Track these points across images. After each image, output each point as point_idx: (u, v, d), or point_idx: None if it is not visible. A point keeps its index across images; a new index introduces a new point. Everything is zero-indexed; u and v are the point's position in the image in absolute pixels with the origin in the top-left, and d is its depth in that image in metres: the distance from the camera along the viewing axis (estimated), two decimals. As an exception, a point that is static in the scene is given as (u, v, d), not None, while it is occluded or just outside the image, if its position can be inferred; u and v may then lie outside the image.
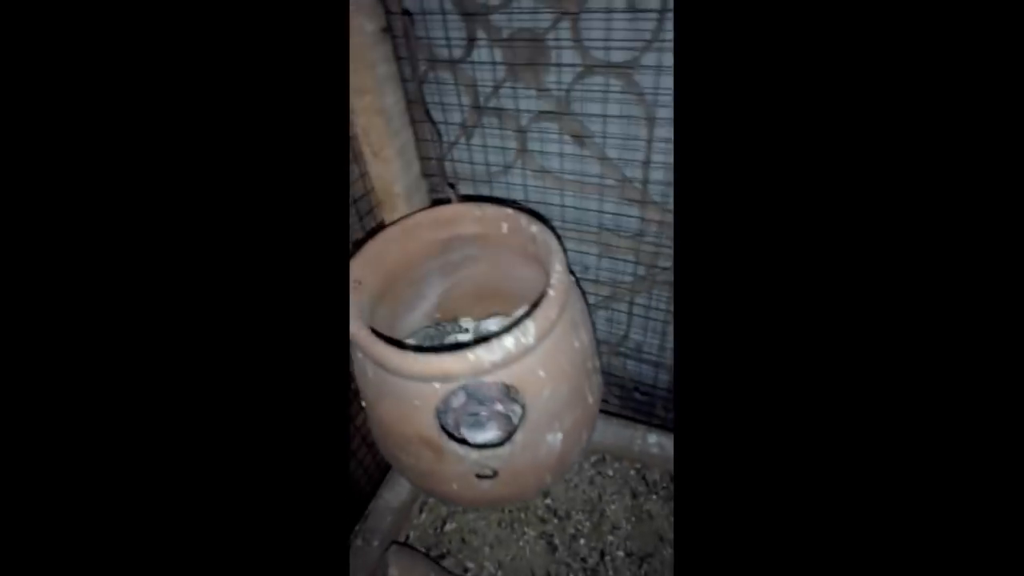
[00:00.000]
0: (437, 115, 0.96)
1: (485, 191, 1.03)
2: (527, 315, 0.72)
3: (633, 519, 1.14)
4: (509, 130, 0.93)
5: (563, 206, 0.99)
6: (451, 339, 1.07)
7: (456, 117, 0.96)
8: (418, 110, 0.95)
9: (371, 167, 0.95)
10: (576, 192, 0.96)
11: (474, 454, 0.77)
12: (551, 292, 0.73)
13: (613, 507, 1.16)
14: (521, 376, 0.72)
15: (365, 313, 0.81)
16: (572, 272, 0.82)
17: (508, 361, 0.68)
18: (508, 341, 0.68)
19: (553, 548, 1.10)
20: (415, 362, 0.68)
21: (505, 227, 0.89)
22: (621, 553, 1.09)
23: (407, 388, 0.72)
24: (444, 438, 0.76)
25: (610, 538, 1.11)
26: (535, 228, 0.84)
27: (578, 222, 1.00)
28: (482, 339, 0.69)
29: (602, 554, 1.09)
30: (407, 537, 1.15)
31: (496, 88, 0.89)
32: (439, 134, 0.96)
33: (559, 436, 0.80)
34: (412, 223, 0.91)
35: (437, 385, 0.70)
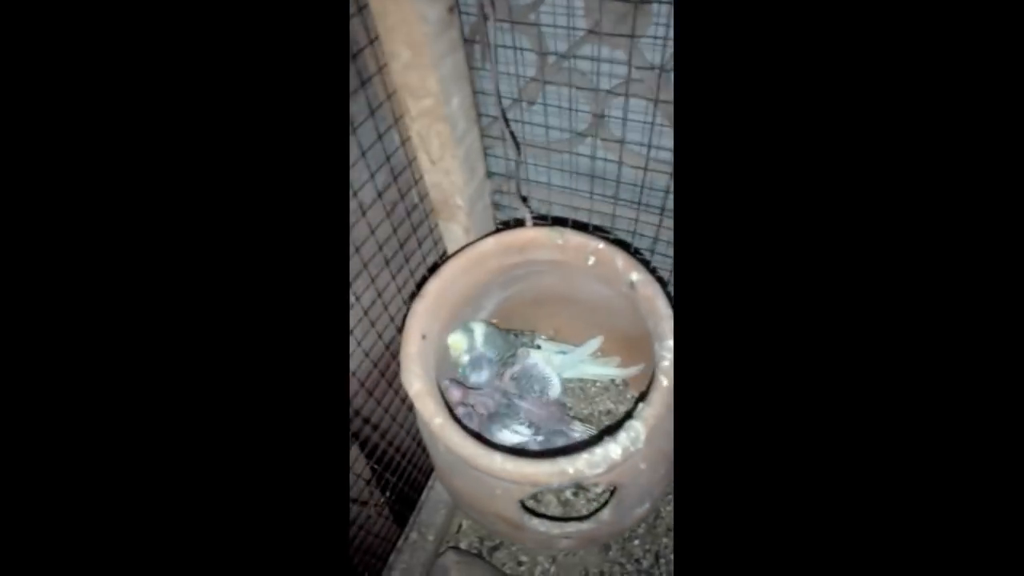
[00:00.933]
0: (506, 87, 0.75)
1: (544, 162, 0.84)
2: (636, 407, 0.61)
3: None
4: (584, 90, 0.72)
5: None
6: (523, 353, 0.95)
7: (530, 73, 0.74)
8: (486, 101, 0.74)
9: (428, 175, 0.77)
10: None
11: (556, 529, 0.71)
12: (663, 380, 0.61)
13: (668, 508, 1.15)
14: (621, 474, 0.63)
15: (431, 372, 0.70)
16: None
17: (613, 468, 0.59)
18: (615, 451, 0.58)
19: (607, 548, 1.11)
20: (503, 467, 0.59)
21: (592, 260, 0.74)
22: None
23: (488, 479, 0.64)
24: (526, 518, 0.69)
25: (664, 540, 1.11)
26: (637, 276, 0.69)
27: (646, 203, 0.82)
28: (579, 445, 0.59)
29: (656, 556, 1.10)
30: (460, 527, 1.16)
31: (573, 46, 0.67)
32: (514, 140, 0.76)
33: (647, 506, 0.74)
34: (478, 254, 0.76)
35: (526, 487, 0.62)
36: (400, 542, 1.12)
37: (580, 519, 0.72)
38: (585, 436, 0.95)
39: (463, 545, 1.12)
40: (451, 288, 0.75)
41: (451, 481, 0.71)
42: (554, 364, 0.93)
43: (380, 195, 0.73)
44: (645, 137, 0.69)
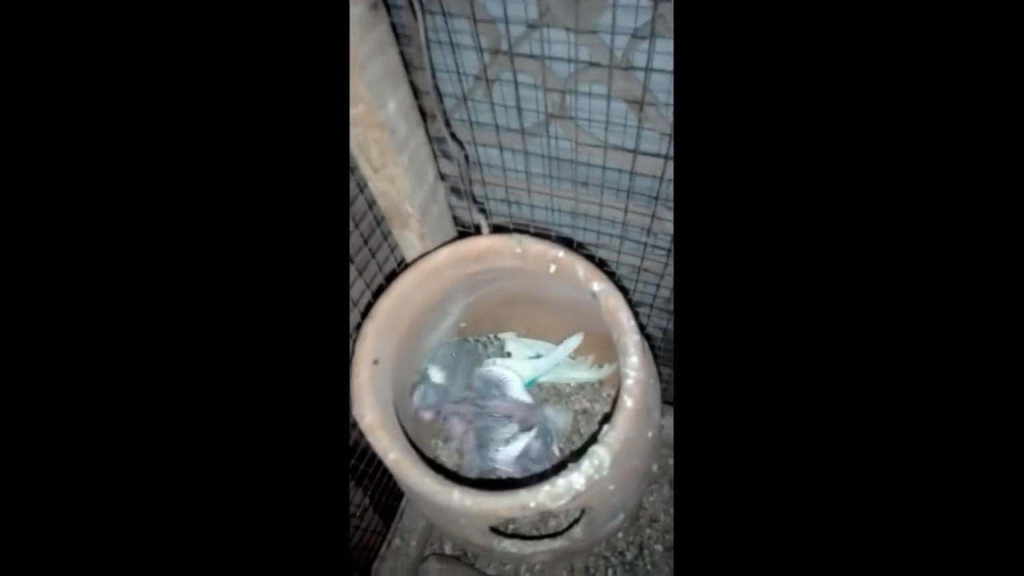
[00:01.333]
0: (447, 87, 0.68)
1: (496, 160, 0.77)
2: (600, 431, 0.58)
3: (672, 511, 1.12)
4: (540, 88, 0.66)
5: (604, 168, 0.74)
6: (490, 362, 0.91)
7: (474, 67, 0.68)
8: (428, 100, 0.68)
9: (372, 183, 0.72)
10: (623, 167, 0.71)
11: (528, 549, 0.69)
12: (627, 401, 0.58)
13: (651, 499, 1.14)
14: (589, 499, 0.60)
15: (388, 399, 0.66)
16: (638, 325, 0.64)
17: (577, 497, 0.56)
18: (578, 482, 0.55)
19: (591, 542, 1.10)
20: (461, 503, 0.56)
21: (554, 268, 0.70)
22: (660, 547, 1.09)
23: (452, 512, 0.61)
24: (496, 540, 0.67)
25: (648, 531, 1.11)
26: (599, 287, 0.65)
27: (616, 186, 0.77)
28: (542, 476, 0.56)
29: (640, 547, 1.09)
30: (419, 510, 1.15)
31: (528, 30, 0.61)
32: (460, 144, 0.70)
33: (620, 519, 0.71)
34: (433, 266, 0.71)
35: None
36: (383, 549, 1.10)
37: (552, 536, 0.70)
38: (559, 421, 0.93)
39: (447, 549, 1.11)
40: (406, 304, 0.71)
41: (419, 507, 0.68)
42: (528, 369, 0.89)
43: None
44: (620, 130, 0.63)
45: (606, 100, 0.62)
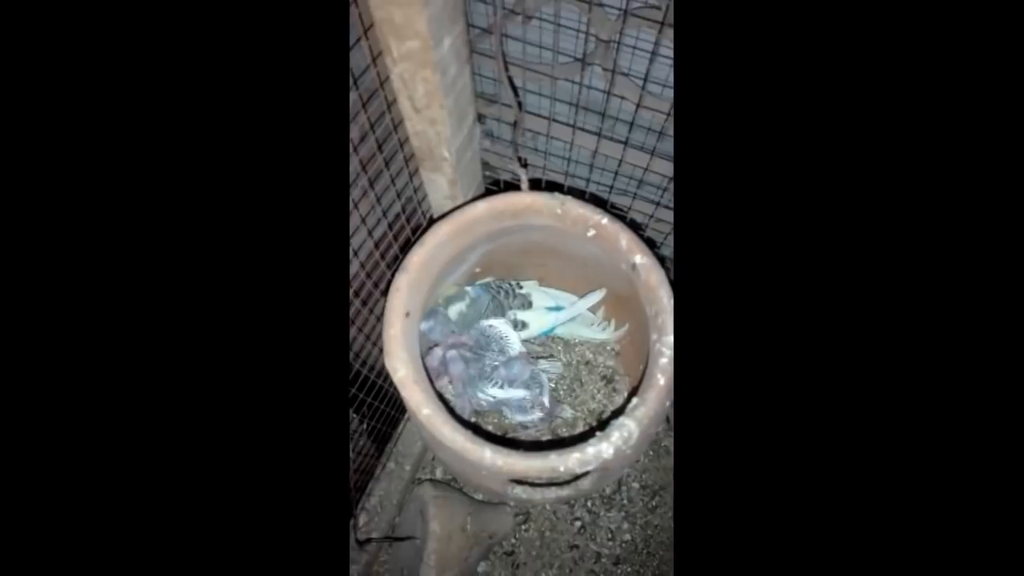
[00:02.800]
0: (478, 19, 0.61)
1: (533, 91, 0.72)
2: (630, 403, 0.60)
3: (651, 453, 1.20)
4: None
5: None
6: (511, 315, 0.91)
7: None
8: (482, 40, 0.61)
9: (410, 123, 0.66)
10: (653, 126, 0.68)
11: (537, 495, 0.74)
12: (660, 379, 0.59)
13: (633, 441, 1.21)
14: (608, 463, 0.63)
15: (417, 353, 0.66)
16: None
17: (603, 465, 0.59)
18: (607, 451, 0.57)
19: (574, 476, 1.18)
20: (492, 461, 0.58)
21: (592, 233, 0.68)
22: (636, 485, 1.18)
23: (479, 467, 0.63)
24: (510, 487, 0.71)
25: (627, 469, 1.19)
26: (641, 260, 0.64)
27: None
28: (572, 440, 0.58)
29: (619, 484, 1.18)
30: (435, 456, 1.20)
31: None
32: (516, 92, 0.64)
33: (625, 471, 0.76)
34: (467, 220, 0.68)
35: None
36: (378, 471, 1.16)
37: (560, 485, 0.74)
38: (552, 374, 0.96)
39: (438, 473, 1.17)
40: (436, 256, 0.69)
41: (436, 453, 0.70)
42: (548, 320, 0.89)
43: (355, 148, 0.62)
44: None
45: (649, 56, 0.57)
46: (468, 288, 0.83)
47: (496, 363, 0.89)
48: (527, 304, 0.88)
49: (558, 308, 0.88)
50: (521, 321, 0.87)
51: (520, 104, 0.65)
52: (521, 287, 0.90)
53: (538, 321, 0.87)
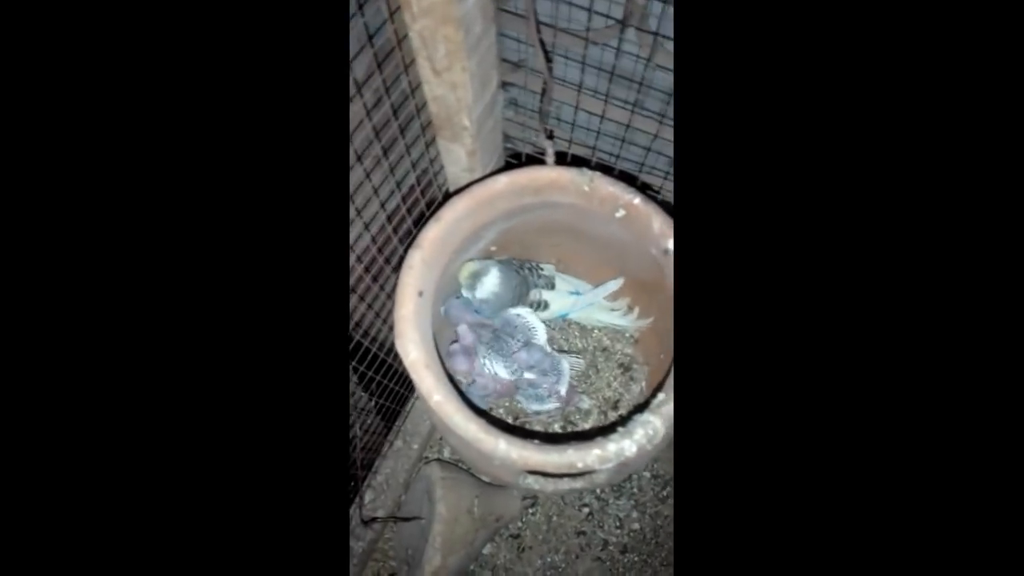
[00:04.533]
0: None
1: (561, 55, 0.66)
2: (655, 398, 0.56)
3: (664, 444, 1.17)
4: None
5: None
6: (536, 293, 0.87)
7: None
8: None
9: (429, 86, 0.61)
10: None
11: (550, 486, 0.71)
12: (689, 375, 0.55)
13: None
14: (628, 460, 0.60)
15: (429, 335, 0.62)
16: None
17: (624, 462, 0.56)
18: (630, 449, 0.54)
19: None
20: (506, 453, 0.55)
21: (622, 214, 0.63)
22: (648, 474, 1.15)
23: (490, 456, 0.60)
24: (522, 477, 0.68)
25: (639, 459, 1.17)
26: (673, 245, 0.59)
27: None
28: (591, 433, 0.55)
29: (629, 473, 1.16)
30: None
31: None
32: (548, 57, 0.58)
33: (641, 467, 0.73)
34: (487, 195, 0.63)
35: (530, 467, 0.58)
36: (385, 449, 1.14)
37: (573, 476, 0.71)
38: (576, 369, 0.93)
39: (446, 453, 1.16)
40: (452, 233, 0.64)
41: (448, 440, 0.67)
42: (567, 304, 0.85)
43: (368, 113, 0.57)
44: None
45: None
46: (492, 264, 0.78)
47: (517, 348, 0.86)
48: (551, 284, 0.83)
49: (576, 293, 0.84)
50: (544, 301, 0.83)
51: (551, 70, 0.59)
52: (543, 268, 0.85)
53: (559, 302, 0.83)
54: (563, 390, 0.88)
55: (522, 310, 0.84)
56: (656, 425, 0.54)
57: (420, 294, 0.60)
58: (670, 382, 0.56)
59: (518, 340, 0.85)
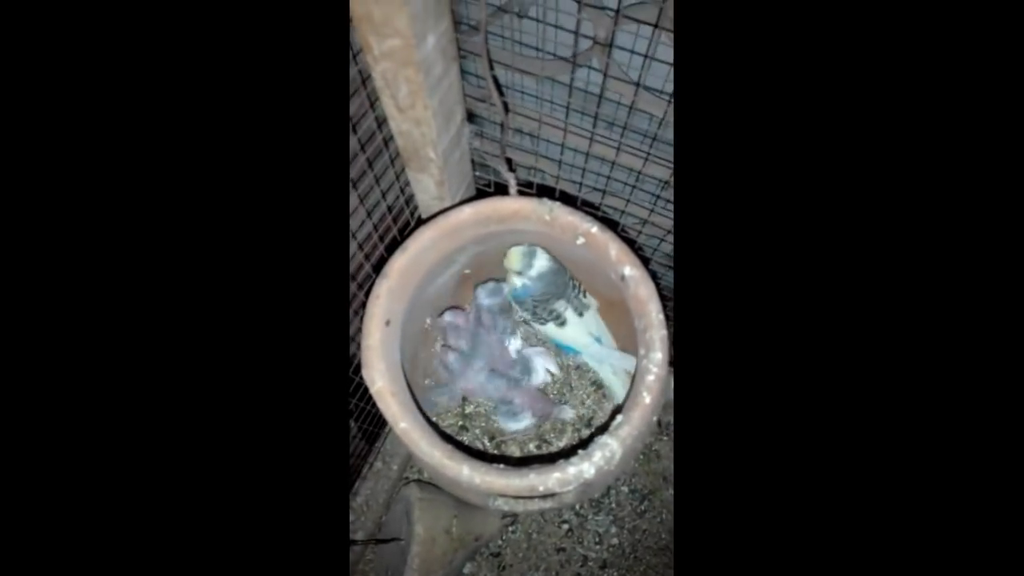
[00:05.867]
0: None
1: (531, 92, 0.70)
2: (613, 421, 0.58)
3: (641, 457, 1.19)
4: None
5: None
6: (563, 304, 0.88)
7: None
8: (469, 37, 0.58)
9: (395, 122, 0.63)
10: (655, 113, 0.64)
11: (520, 507, 0.72)
12: (646, 398, 0.57)
13: (624, 445, 1.20)
14: (589, 482, 0.62)
15: (397, 363, 0.64)
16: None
17: (584, 484, 0.57)
18: (588, 471, 0.55)
19: (563, 478, 1.17)
20: (470, 479, 0.56)
21: (582, 241, 0.66)
22: (626, 489, 1.17)
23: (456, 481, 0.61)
24: (491, 499, 0.69)
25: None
26: (630, 272, 0.61)
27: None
28: (554, 456, 0.57)
29: (608, 488, 1.17)
30: (423, 454, 1.19)
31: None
32: (501, 92, 0.61)
33: (608, 485, 0.75)
34: (452, 225, 0.65)
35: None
36: (365, 470, 1.14)
37: (543, 497, 0.72)
38: (564, 416, 0.95)
39: (426, 474, 1.16)
40: (419, 262, 0.66)
41: (418, 463, 0.68)
42: (583, 342, 0.87)
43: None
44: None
45: (649, 39, 0.54)
46: (538, 247, 0.79)
47: (512, 383, 0.91)
48: (581, 312, 0.85)
49: (597, 340, 0.86)
50: (565, 319, 0.84)
51: (506, 105, 0.62)
52: (586, 296, 0.87)
53: (576, 332, 0.84)
54: (536, 379, 0.92)
55: (535, 351, 0.91)
56: (613, 447, 0.55)
57: (387, 323, 0.62)
58: (629, 405, 0.58)
59: (513, 374, 0.90)
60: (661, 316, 0.59)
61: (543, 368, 0.95)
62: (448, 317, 0.92)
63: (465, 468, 0.56)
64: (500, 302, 0.90)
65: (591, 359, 0.93)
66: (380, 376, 0.59)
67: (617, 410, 0.59)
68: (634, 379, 0.60)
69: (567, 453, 0.57)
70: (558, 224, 0.65)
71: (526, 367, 0.94)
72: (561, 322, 0.85)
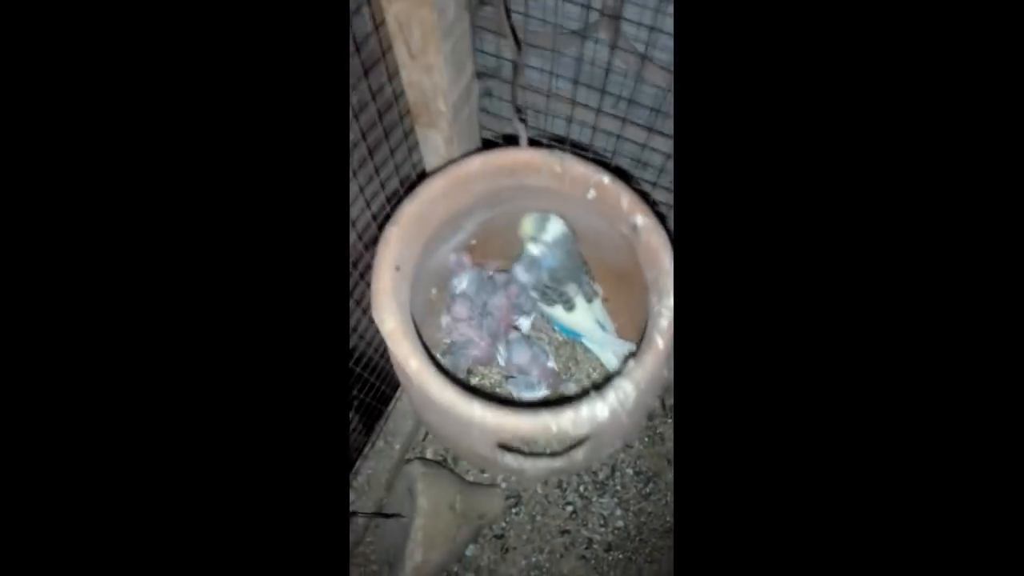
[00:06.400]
0: None
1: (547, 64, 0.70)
2: (627, 365, 0.57)
3: (646, 439, 1.18)
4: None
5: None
6: (574, 288, 0.89)
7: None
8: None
9: (406, 71, 0.64)
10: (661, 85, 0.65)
11: (528, 465, 0.71)
12: (658, 341, 0.57)
13: (629, 426, 1.19)
14: (603, 428, 0.61)
15: (407, 307, 0.64)
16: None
17: (597, 427, 0.57)
18: (602, 412, 0.55)
19: (567, 460, 1.16)
20: (482, 417, 0.55)
21: (593, 194, 0.66)
22: (631, 471, 1.15)
23: (467, 424, 0.60)
24: (500, 454, 0.68)
25: (622, 455, 1.17)
26: (642, 221, 0.62)
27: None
28: (564, 399, 0.56)
29: (612, 469, 1.16)
30: (425, 435, 1.18)
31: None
32: (517, 41, 0.62)
33: (619, 445, 0.74)
34: (462, 175, 0.66)
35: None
36: (366, 449, 1.13)
37: (552, 455, 0.71)
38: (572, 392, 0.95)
39: (428, 453, 1.15)
40: (429, 212, 0.66)
41: (425, 415, 0.68)
42: (585, 324, 0.88)
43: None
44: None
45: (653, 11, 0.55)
46: (551, 214, 0.80)
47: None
48: (590, 298, 0.85)
49: (602, 327, 0.87)
50: (575, 304, 0.84)
51: (519, 43, 0.62)
52: (596, 285, 0.88)
53: (582, 317, 0.85)
54: (551, 363, 0.93)
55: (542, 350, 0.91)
56: (627, 389, 0.55)
57: (397, 268, 0.62)
58: (642, 350, 0.58)
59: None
60: (672, 263, 0.59)
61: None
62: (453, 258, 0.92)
63: (477, 407, 0.55)
64: (535, 279, 0.90)
65: (594, 344, 0.93)
66: (391, 317, 0.58)
67: (630, 356, 0.58)
68: (647, 326, 0.59)
69: (580, 396, 0.56)
70: (569, 176, 0.65)
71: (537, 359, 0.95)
72: (570, 306, 0.86)
